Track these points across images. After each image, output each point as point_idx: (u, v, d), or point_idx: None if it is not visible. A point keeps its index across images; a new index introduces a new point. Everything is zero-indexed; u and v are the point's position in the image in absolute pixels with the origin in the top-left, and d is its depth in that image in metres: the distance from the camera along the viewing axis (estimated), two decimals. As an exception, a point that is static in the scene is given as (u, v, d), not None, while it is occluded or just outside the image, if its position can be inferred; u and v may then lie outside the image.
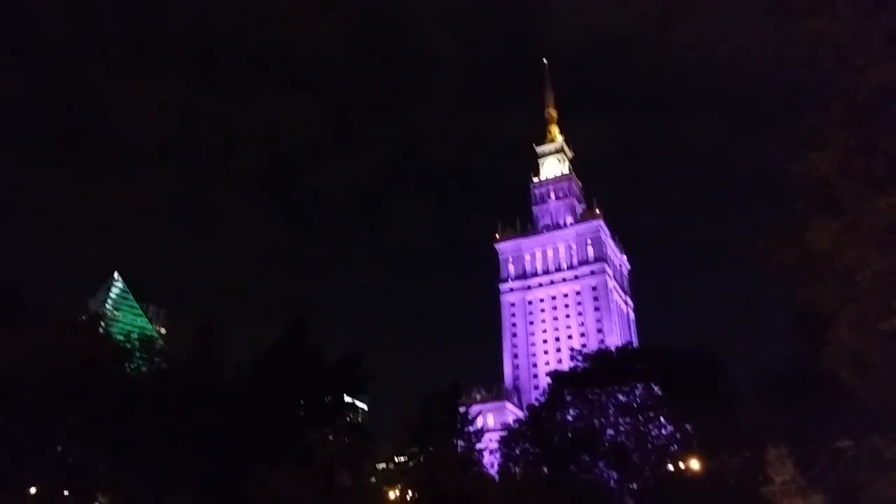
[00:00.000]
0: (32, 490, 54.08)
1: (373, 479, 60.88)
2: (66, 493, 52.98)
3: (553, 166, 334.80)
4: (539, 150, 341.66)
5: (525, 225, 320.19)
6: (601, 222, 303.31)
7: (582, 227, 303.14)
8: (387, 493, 59.93)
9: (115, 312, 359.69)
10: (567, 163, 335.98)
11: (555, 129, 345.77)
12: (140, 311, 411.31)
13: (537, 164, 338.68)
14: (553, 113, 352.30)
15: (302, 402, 67.10)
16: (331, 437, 61.69)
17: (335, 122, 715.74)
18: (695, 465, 50.73)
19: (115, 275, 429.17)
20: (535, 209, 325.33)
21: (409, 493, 59.96)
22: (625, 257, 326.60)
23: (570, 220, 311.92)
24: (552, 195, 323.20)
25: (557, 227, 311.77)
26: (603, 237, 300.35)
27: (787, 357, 44.76)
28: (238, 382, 65.51)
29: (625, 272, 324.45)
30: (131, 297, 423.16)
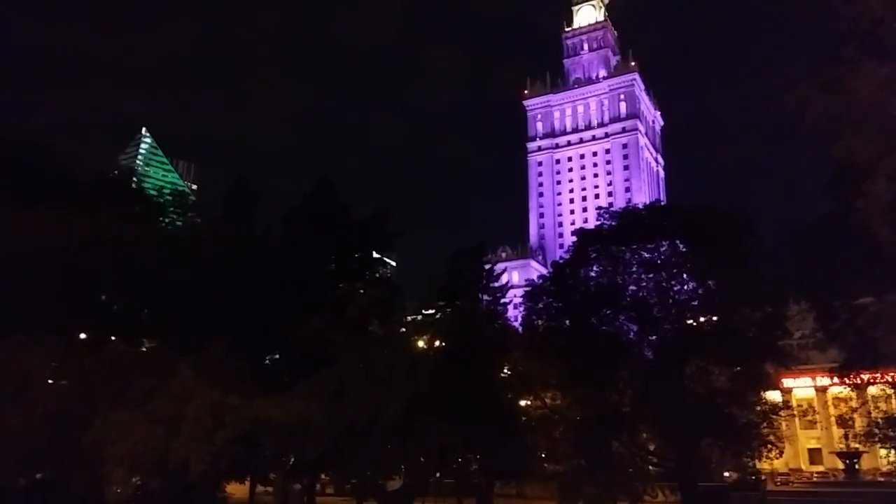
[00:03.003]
0: (83, 336, 57.57)
1: (402, 330, 63.48)
2: (112, 338, 56.20)
3: (588, 14, 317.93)
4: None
5: (555, 80, 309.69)
6: (636, 76, 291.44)
7: (615, 80, 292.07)
8: (415, 342, 62.75)
9: (146, 168, 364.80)
10: (603, 9, 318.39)
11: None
12: (171, 167, 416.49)
13: (570, 13, 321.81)
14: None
15: (332, 257, 68.88)
16: (361, 291, 63.72)
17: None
18: (714, 318, 51.74)
19: (144, 130, 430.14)
20: (566, 62, 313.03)
21: (437, 342, 62.64)
22: (658, 113, 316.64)
23: (603, 73, 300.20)
24: (585, 46, 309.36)
25: (590, 81, 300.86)
26: (637, 92, 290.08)
27: (817, 215, 43.98)
28: (270, 236, 67.04)
29: (657, 129, 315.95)
30: (161, 153, 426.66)
